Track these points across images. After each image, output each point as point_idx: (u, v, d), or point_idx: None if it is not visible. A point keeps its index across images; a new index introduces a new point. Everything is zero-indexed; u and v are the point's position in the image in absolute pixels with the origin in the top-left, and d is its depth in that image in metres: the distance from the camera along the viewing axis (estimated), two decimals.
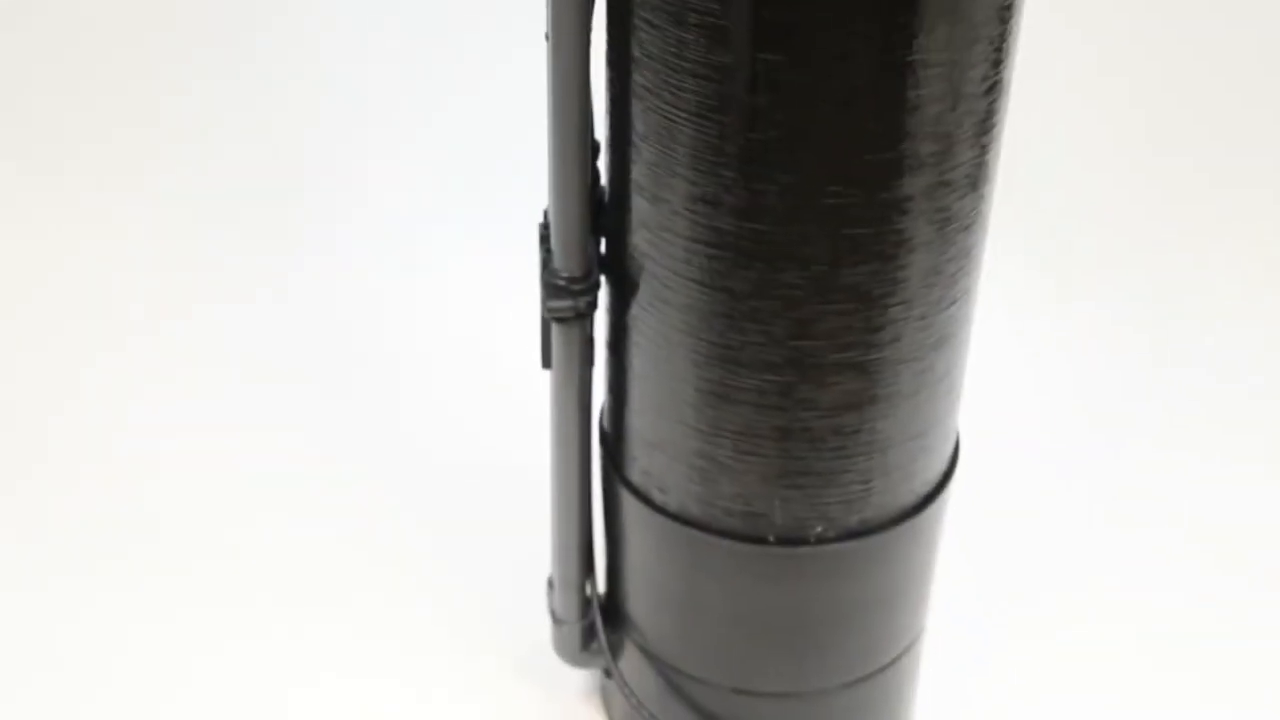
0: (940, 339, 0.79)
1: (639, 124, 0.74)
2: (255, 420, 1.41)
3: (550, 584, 1.01)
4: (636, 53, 0.72)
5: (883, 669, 0.93)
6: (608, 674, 1.03)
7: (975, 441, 0.98)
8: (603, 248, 0.83)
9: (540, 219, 0.84)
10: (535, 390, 0.97)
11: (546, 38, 0.76)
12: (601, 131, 0.79)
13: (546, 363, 0.88)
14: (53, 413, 1.42)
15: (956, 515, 0.94)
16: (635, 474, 0.87)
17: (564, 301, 0.83)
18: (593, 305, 0.84)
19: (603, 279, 0.84)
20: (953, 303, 0.78)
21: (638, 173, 0.75)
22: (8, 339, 1.53)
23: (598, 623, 0.99)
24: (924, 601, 0.94)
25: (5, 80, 1.79)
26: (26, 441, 1.38)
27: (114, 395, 1.45)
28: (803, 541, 0.83)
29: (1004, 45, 0.71)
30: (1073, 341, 1.56)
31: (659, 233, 0.76)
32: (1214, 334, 1.57)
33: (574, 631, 1.00)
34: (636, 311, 0.80)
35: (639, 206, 0.76)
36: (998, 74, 0.71)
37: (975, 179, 0.74)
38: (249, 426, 1.41)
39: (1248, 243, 1.68)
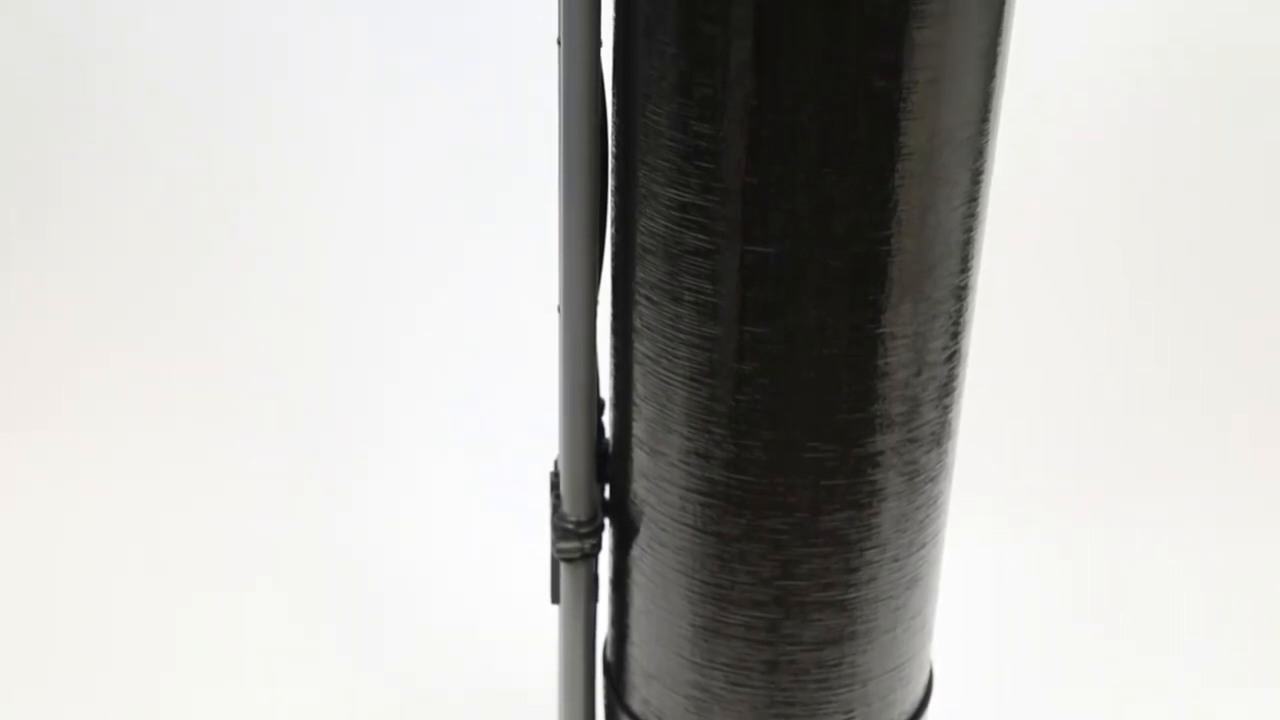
0: (913, 579, 0.78)
1: (640, 386, 0.75)
2: (278, 645, 1.39)
3: None
4: (637, 324, 0.74)
5: None
6: None
7: (947, 671, 0.97)
8: (607, 494, 0.84)
9: (551, 468, 0.85)
10: (544, 623, 0.96)
11: (558, 310, 0.78)
12: (606, 391, 0.81)
13: (555, 598, 0.87)
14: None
15: None
16: (636, 702, 0.86)
17: (572, 543, 0.83)
18: (597, 547, 0.84)
19: (606, 523, 0.84)
20: (923, 546, 0.78)
21: (638, 429, 0.77)
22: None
23: None
24: None
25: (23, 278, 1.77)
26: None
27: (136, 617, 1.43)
28: None
29: (961, 319, 0.73)
30: (1028, 581, 1.55)
31: (657, 482, 0.76)
32: (1153, 567, 1.57)
33: None
34: (637, 553, 0.80)
35: (639, 458, 0.77)
36: (956, 344, 0.73)
37: (940, 435, 0.75)
38: (271, 656, 1.38)
39: (1179, 484, 1.69)
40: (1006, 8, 0.66)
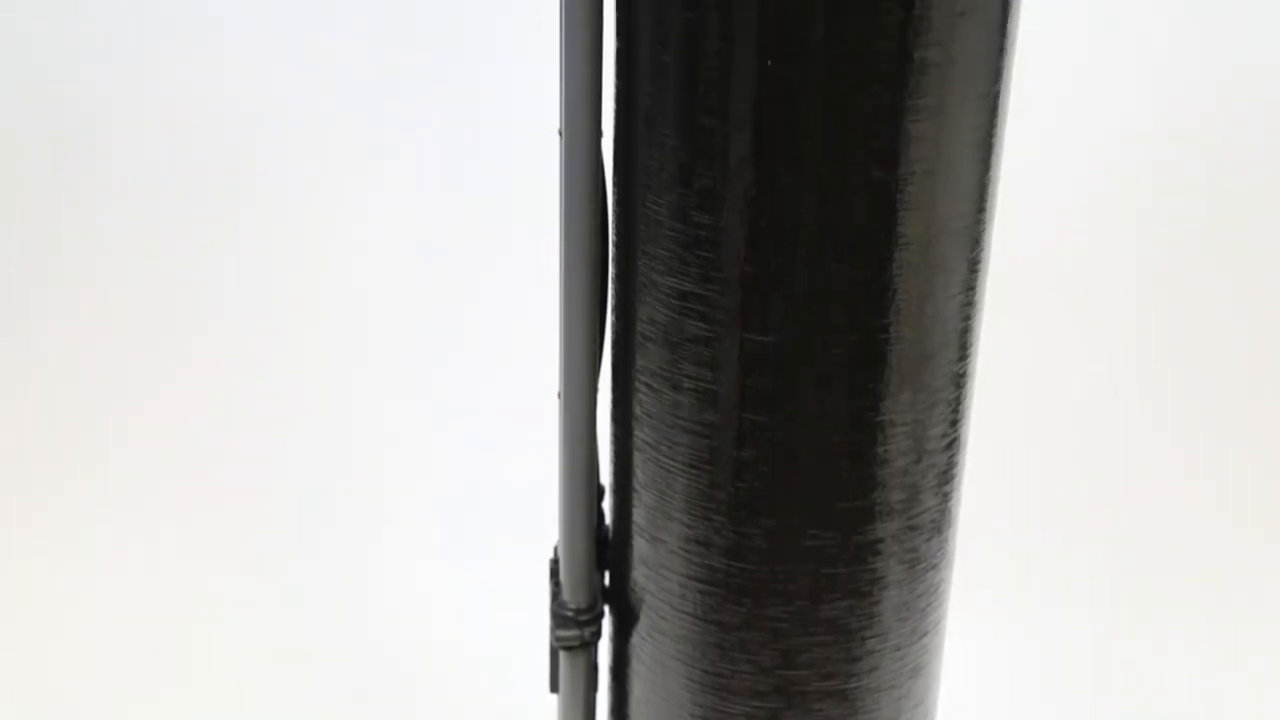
0: (915, 668, 0.78)
1: (639, 473, 0.75)
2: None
3: None
4: (637, 411, 0.74)
5: None
6: None
7: None
8: (606, 582, 0.83)
9: (550, 555, 0.85)
10: (543, 713, 0.95)
11: (559, 396, 0.79)
12: (606, 478, 0.81)
13: (554, 687, 0.86)
14: None
15: None
16: None
17: (571, 631, 0.82)
18: (597, 635, 0.83)
19: (606, 610, 0.83)
20: (925, 634, 0.78)
21: (638, 516, 0.77)
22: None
23: None
24: None
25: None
26: None
27: None
28: None
29: (960, 407, 0.73)
30: (1029, 669, 1.54)
31: (657, 570, 0.76)
32: (1159, 657, 1.55)
33: None
34: (636, 641, 0.80)
35: (639, 546, 0.77)
36: (956, 431, 0.73)
37: (940, 523, 0.75)
38: None
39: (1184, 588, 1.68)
40: (1001, 102, 0.67)
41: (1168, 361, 1.75)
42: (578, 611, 0.82)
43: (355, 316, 1.77)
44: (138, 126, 1.70)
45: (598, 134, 0.73)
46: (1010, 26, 0.66)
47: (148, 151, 1.72)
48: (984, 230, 0.70)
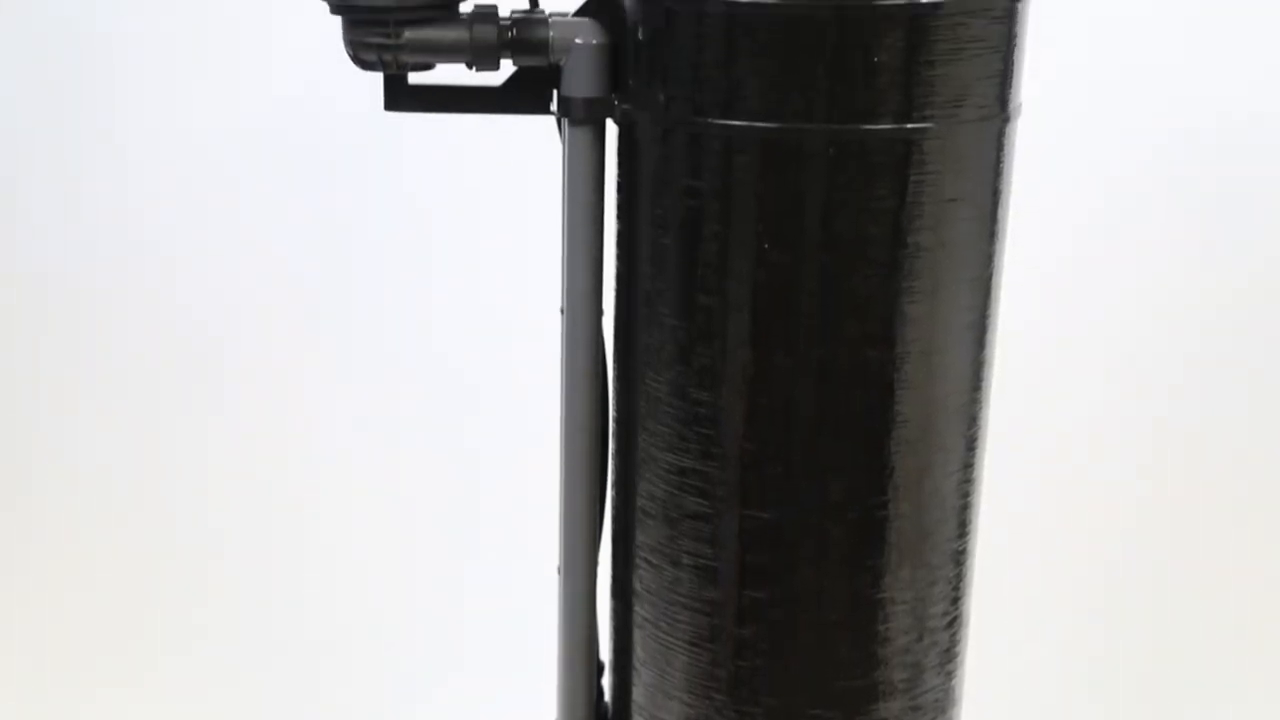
0: None
1: (639, 649, 0.75)
2: None
3: None
4: (637, 587, 0.74)
5: None
6: None
7: None
8: None
9: None
10: None
11: (559, 571, 0.79)
12: (606, 653, 0.81)
13: None
14: None
15: None
16: None
17: None
18: None
19: None
20: None
21: (638, 694, 0.76)
22: None
23: None
24: None
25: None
26: None
27: None
28: None
29: (961, 584, 0.73)
30: None
31: None
32: None
33: None
34: None
35: None
36: (957, 609, 0.73)
37: (943, 703, 0.74)
38: None
39: None
40: (994, 284, 0.69)
41: (1170, 542, 1.74)
42: None
43: (353, 488, 1.77)
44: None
45: (599, 313, 0.75)
46: (1001, 213, 0.68)
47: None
48: (980, 408, 0.71)
